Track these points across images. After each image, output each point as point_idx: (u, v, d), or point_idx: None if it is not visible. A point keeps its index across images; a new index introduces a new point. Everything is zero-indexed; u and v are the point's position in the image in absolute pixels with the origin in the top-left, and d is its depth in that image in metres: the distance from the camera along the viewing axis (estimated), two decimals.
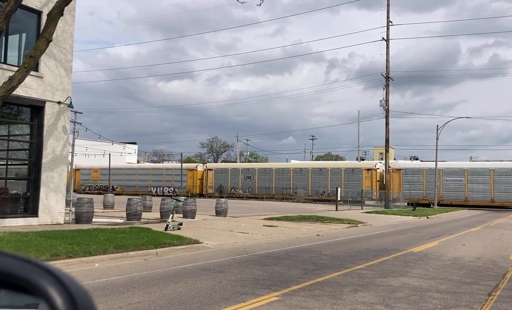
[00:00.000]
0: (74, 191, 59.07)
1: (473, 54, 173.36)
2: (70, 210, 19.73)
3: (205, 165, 70.94)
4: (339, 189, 42.54)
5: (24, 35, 18.96)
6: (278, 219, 24.76)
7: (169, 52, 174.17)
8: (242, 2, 18.03)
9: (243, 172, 63.15)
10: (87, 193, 59.95)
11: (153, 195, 60.58)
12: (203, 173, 65.77)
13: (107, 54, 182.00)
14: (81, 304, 0.84)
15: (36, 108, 18.18)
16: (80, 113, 50.69)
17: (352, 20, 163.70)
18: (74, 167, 72.04)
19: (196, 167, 67.72)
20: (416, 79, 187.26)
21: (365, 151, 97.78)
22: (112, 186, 67.69)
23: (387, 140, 45.72)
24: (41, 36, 13.84)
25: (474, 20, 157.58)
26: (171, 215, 18.33)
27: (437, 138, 50.40)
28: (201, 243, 14.27)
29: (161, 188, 65.97)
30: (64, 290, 0.84)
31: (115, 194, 60.15)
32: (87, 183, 70.82)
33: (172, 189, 64.06)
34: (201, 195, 62.65)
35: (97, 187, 68.94)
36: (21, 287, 0.88)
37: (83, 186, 70.08)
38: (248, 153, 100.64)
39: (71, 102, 19.19)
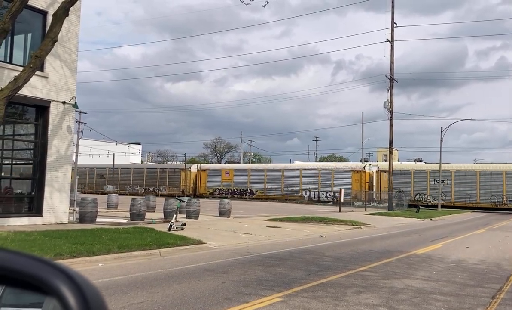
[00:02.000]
0: (199, 196, 53.26)
1: (480, 57, 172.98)
2: (74, 210, 19.80)
3: (370, 165, 58.92)
4: (342, 190, 42.48)
5: (29, 35, 19.05)
6: (281, 220, 24.76)
7: (177, 53, 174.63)
8: (247, 4, 18.03)
9: (432, 174, 52.04)
10: (215, 198, 51.56)
11: (307, 202, 50.39)
12: (370, 174, 55.18)
13: (115, 55, 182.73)
14: (93, 304, 0.86)
15: (41, 108, 18.26)
16: (85, 113, 50.82)
17: (359, 23, 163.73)
18: (198, 167, 65.30)
19: (364, 167, 56.41)
20: (423, 82, 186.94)
21: (369, 153, 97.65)
22: (249, 189, 59.08)
23: (391, 142, 45.65)
24: (47, 36, 13.90)
25: (481, 24, 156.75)
26: (174, 215, 18.37)
27: (441, 140, 50.30)
28: (204, 243, 14.29)
29: (317, 192, 55.69)
30: (77, 290, 0.86)
31: (255, 199, 52.83)
32: (216, 186, 61.43)
33: (332, 194, 53.80)
34: (372, 201, 52.35)
35: (230, 191, 58.79)
36: (33, 286, 0.89)
37: (210, 189, 61.29)
38: (252, 154, 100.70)
39: (75, 102, 19.26)
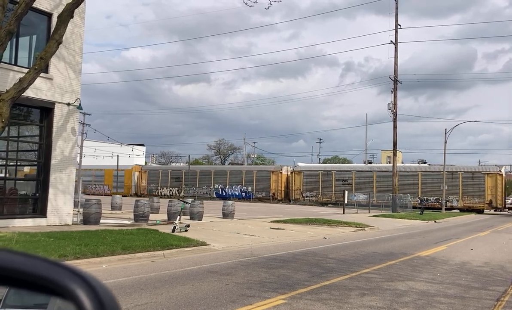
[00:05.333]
0: (497, 209, 42.56)
1: (489, 60, 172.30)
2: (78, 211, 19.86)
3: None
4: (346, 191, 42.42)
5: (34, 37, 19.14)
6: (285, 221, 24.75)
7: (187, 56, 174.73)
8: (251, 6, 18.05)
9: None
10: None
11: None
12: None
13: (123, 58, 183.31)
14: (109, 307, 0.88)
15: (46, 110, 18.34)
16: (89, 114, 50.88)
17: (369, 26, 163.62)
18: (506, 172, 49.46)
19: None
20: (430, 84, 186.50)
21: (373, 155, 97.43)
22: None
23: (394, 144, 45.56)
24: (51, 38, 13.96)
25: (489, 27, 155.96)
26: (178, 217, 18.38)
27: (445, 142, 50.16)
28: (208, 245, 14.30)
29: None
30: (93, 293, 0.88)
31: None
32: None
33: None
34: None
35: None
36: (48, 289, 0.91)
37: None
38: (256, 156, 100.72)
39: (80, 104, 19.33)
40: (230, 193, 60.79)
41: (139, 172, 69.35)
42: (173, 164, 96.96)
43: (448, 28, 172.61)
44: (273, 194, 58.49)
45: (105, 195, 58.03)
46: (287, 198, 59.22)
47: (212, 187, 63.05)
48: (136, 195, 64.56)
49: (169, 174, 66.96)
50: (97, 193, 62.09)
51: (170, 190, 65.40)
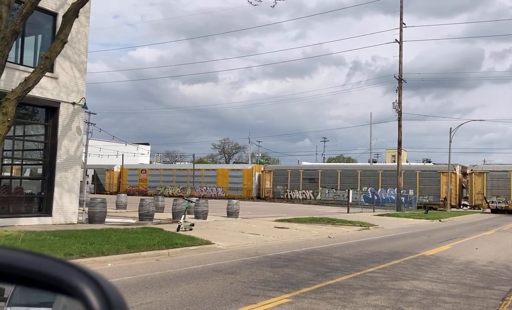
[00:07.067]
0: None
1: (496, 59, 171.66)
2: (83, 210, 19.93)
3: None
4: (350, 191, 42.34)
5: (40, 36, 19.22)
6: (289, 220, 24.74)
7: (195, 56, 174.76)
8: (255, 5, 18.05)
9: None
10: None
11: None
12: None
13: (131, 58, 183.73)
14: (116, 306, 0.89)
15: (51, 109, 18.42)
16: (94, 114, 51.04)
17: (376, 25, 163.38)
18: None
19: None
20: (437, 83, 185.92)
21: (377, 154, 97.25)
22: None
23: (399, 143, 45.44)
24: (57, 37, 14.01)
25: (496, 26, 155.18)
26: (183, 216, 18.42)
27: (450, 141, 50.00)
28: (212, 244, 14.33)
29: None
30: (101, 292, 0.90)
31: None
32: None
33: None
34: None
35: None
36: (56, 287, 0.93)
37: None
38: (260, 155, 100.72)
39: (85, 103, 19.40)
40: (383, 197, 51.39)
41: (262, 171, 61.24)
42: (177, 163, 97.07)
43: (455, 28, 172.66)
44: (444, 198, 48.97)
45: (219, 198, 53.48)
46: (459, 204, 51.21)
47: (358, 189, 53.14)
48: (258, 198, 58.68)
49: (301, 174, 58.25)
50: (207, 196, 54.72)
51: (303, 193, 57.32)
